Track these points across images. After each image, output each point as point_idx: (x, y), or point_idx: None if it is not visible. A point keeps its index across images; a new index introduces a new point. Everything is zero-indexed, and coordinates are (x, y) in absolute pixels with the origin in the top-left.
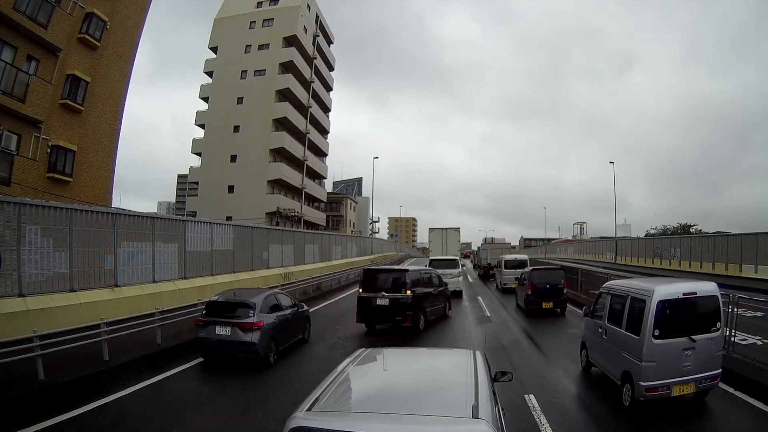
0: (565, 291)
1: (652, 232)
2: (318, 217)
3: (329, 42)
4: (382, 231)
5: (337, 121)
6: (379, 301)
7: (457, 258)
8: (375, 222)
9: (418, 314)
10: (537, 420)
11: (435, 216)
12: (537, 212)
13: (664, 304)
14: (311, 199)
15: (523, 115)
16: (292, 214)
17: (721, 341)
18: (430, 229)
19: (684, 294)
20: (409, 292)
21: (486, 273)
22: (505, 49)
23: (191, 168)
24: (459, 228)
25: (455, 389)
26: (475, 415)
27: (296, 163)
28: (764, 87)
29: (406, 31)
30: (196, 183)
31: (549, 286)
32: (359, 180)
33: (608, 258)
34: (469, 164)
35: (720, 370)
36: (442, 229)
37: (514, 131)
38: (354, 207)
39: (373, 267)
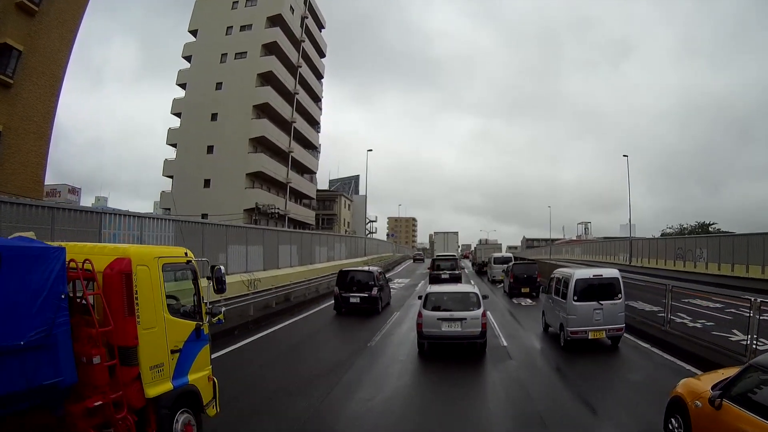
0: (539, 280)
1: (668, 231)
2: (306, 215)
3: (320, 26)
4: (382, 231)
5: (335, 120)
6: (443, 276)
7: (455, 254)
8: (372, 221)
9: (461, 278)
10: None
11: (433, 216)
12: (536, 212)
13: (580, 281)
14: (299, 196)
15: (518, 112)
16: (272, 210)
17: (622, 306)
18: (435, 232)
19: (594, 275)
20: (458, 271)
21: (480, 269)
22: (497, 42)
23: (166, 161)
24: (457, 232)
25: (471, 296)
26: (478, 307)
27: (281, 156)
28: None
29: (395, 25)
30: (171, 177)
31: (526, 276)
32: (356, 178)
33: (621, 260)
34: (465, 163)
35: (623, 324)
36: (444, 233)
37: (509, 129)
38: (349, 205)
39: (438, 256)
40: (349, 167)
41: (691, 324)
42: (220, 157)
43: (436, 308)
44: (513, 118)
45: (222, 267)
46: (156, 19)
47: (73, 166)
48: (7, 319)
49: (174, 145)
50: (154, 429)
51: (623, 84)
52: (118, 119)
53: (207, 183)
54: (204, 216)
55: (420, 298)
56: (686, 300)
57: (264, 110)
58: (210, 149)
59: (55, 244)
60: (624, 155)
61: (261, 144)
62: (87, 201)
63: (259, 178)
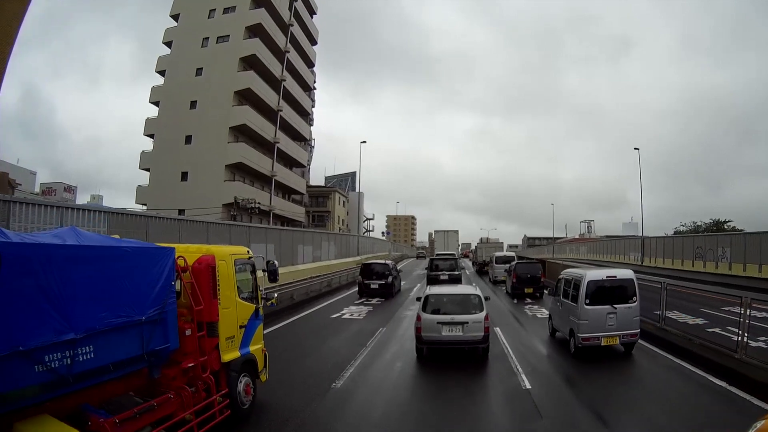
0: (542, 279)
1: (681, 229)
2: (294, 211)
3: (311, 12)
4: (380, 230)
5: (333, 118)
6: (441, 277)
7: (454, 254)
8: (369, 219)
9: (461, 279)
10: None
11: (433, 214)
12: (536, 210)
13: (592, 283)
14: (287, 191)
15: (517, 110)
16: (251, 205)
17: (637, 310)
18: (435, 231)
19: (607, 276)
20: (458, 271)
21: (481, 269)
22: (496, 38)
23: (142, 153)
24: (458, 230)
25: (472, 298)
26: (480, 310)
27: (265, 147)
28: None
29: (393, 21)
30: (148, 170)
31: (529, 276)
32: (353, 174)
33: (632, 259)
34: (465, 162)
35: (638, 330)
36: (445, 231)
37: (508, 127)
38: (344, 202)
39: (436, 256)
40: (347, 165)
41: (754, 344)
42: (198, 147)
43: (435, 311)
44: (512, 116)
45: (276, 262)
46: (154, 14)
47: (72, 166)
48: (134, 300)
49: (152, 136)
50: (224, 387)
51: (623, 81)
52: (117, 118)
53: (184, 176)
54: (181, 212)
55: (418, 299)
56: (725, 308)
57: (246, 97)
58: (188, 139)
59: (165, 245)
60: (635, 148)
61: (243, 134)
62: (83, 199)
63: (240, 171)
